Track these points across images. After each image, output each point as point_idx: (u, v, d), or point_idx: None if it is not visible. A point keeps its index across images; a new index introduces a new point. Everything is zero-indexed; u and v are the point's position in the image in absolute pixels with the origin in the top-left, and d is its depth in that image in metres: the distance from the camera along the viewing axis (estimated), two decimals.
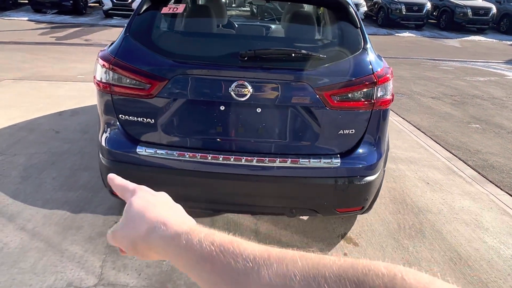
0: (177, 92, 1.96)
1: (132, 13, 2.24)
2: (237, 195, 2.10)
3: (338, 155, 2.06)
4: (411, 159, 4.10)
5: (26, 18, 13.77)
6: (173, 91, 1.95)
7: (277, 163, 1.99)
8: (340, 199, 2.11)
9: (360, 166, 2.06)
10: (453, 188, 3.51)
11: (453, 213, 3.08)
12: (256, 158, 1.98)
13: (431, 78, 8.57)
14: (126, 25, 2.19)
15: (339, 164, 2.02)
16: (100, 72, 2.07)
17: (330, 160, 2.02)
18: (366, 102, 2.00)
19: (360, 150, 2.08)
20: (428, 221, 2.95)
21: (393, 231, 2.79)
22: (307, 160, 2.00)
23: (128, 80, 1.98)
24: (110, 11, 14.54)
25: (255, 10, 6.78)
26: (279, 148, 2.05)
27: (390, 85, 2.08)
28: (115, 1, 14.26)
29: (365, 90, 1.98)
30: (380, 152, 2.16)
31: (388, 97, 2.08)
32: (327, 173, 2.02)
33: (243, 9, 7.88)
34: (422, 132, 5.05)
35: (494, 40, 15.95)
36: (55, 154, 3.65)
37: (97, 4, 17.49)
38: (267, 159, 1.99)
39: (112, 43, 2.21)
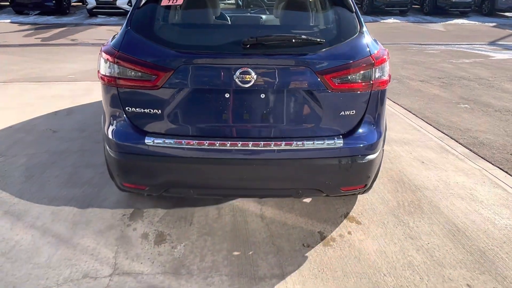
0: (182, 82, 2.01)
1: (118, 10, 2.28)
2: (246, 179, 2.17)
3: (341, 136, 2.14)
4: (405, 140, 4.22)
5: (9, 20, 13.54)
6: (178, 81, 2.00)
7: (283, 146, 2.07)
8: (344, 178, 2.20)
9: (362, 145, 2.15)
10: (447, 166, 3.63)
11: (449, 189, 3.20)
12: (262, 143, 2.05)
13: (418, 62, 8.72)
14: (126, 19, 2.22)
15: (342, 145, 2.10)
16: (104, 67, 2.10)
17: (333, 141, 2.10)
18: (365, 84, 2.08)
19: (361, 130, 2.16)
20: (426, 197, 3.06)
21: (393, 208, 2.90)
22: (311, 142, 2.08)
23: (133, 73, 2.03)
24: (94, 10, 14.39)
25: (240, 2, 6.79)
26: (284, 132, 2.12)
27: (387, 66, 2.17)
28: None
29: (363, 72, 2.06)
30: (379, 131, 2.25)
31: (386, 78, 2.16)
32: (331, 153, 2.10)
33: (228, 1, 7.87)
34: (413, 114, 5.18)
35: (476, 22, 16.21)
36: (55, 153, 3.67)
37: (81, 3, 17.26)
38: (272, 143, 2.06)
39: (113, 38, 2.24)
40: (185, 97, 2.04)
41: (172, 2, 2.16)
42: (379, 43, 2.31)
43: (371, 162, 2.19)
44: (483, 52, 10.28)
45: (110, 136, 2.18)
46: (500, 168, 3.62)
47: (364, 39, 2.17)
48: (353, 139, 2.14)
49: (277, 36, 2.06)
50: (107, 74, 2.09)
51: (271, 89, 2.03)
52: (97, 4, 14.12)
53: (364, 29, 2.22)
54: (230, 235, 2.54)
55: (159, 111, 2.07)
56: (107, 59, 2.08)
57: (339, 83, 2.04)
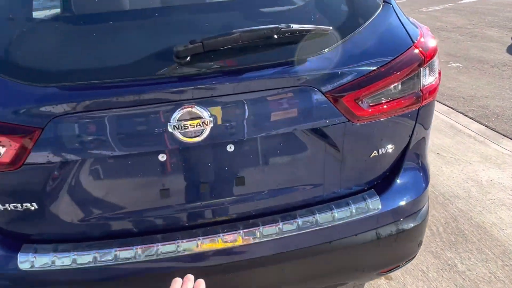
0: (65, 149, 0.99)
1: None
2: None
3: (373, 190, 1.23)
4: None
5: None
6: (55, 150, 0.98)
7: (280, 227, 1.14)
8: (385, 256, 1.32)
9: (409, 201, 1.26)
10: (468, 155, 2.87)
11: (485, 193, 2.45)
12: (242, 231, 1.11)
13: None
14: None
15: (380, 207, 1.20)
16: None
17: (364, 203, 1.19)
18: (410, 98, 1.16)
19: (404, 177, 1.26)
20: (461, 212, 2.29)
21: (428, 240, 2.11)
22: (329, 213, 1.16)
23: None
24: None
25: None
26: (278, 203, 1.18)
27: (437, 58, 1.25)
28: None
29: (408, 77, 1.13)
30: (426, 169, 1.36)
31: (436, 79, 1.25)
32: (363, 225, 1.20)
33: None
34: None
35: None
36: None
37: None
38: (261, 227, 1.13)
39: None
40: (76, 175, 1.03)
41: None
42: (410, 17, 1.37)
43: (424, 222, 1.33)
44: None
45: None
46: None
47: (395, 16, 1.21)
48: (395, 193, 1.24)
49: (246, 31, 0.97)
50: None
51: (243, 135, 1.06)
52: None
53: None
54: None
55: (35, 205, 1.06)
56: None
57: (369, 106, 1.10)
